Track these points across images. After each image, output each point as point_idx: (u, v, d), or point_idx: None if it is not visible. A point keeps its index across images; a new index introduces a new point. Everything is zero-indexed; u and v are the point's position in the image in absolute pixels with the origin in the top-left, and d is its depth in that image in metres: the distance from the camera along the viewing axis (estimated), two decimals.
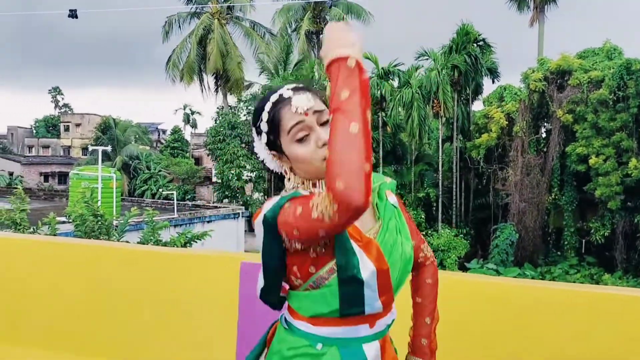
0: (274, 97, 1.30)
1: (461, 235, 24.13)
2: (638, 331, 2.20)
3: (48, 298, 3.29)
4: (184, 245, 7.25)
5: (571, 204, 22.80)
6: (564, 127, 22.42)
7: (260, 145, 1.35)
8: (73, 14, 20.15)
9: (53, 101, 68.66)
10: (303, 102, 1.25)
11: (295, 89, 1.30)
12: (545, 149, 23.85)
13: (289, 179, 1.34)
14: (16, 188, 8.62)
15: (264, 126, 1.31)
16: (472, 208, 26.48)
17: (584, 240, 23.10)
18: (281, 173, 1.37)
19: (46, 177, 44.20)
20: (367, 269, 1.23)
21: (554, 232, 24.14)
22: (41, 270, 3.34)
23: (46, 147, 53.35)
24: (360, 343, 1.29)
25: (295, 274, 1.29)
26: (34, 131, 59.72)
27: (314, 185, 1.31)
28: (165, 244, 7.17)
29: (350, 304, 1.26)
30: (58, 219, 7.06)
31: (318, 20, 33.34)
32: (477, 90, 27.44)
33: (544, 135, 24.89)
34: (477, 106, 28.58)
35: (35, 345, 3.23)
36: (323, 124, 1.26)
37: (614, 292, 2.48)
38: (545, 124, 24.64)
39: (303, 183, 1.32)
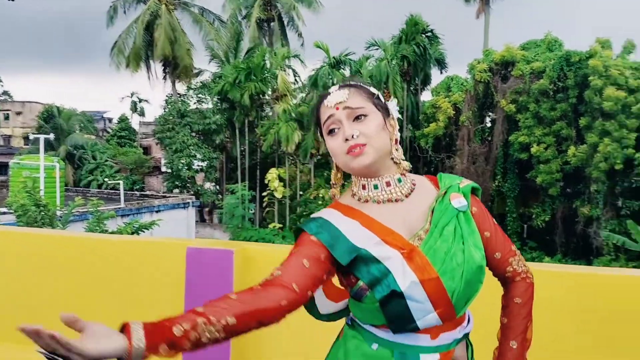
0: (323, 92, 1.34)
1: None
2: (580, 305, 2.33)
3: None
4: (132, 235, 7.15)
5: (514, 191, 23.63)
6: (507, 116, 23.15)
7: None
8: None
9: None
10: (335, 97, 1.27)
11: (342, 86, 1.31)
12: (489, 138, 24.59)
13: (335, 171, 1.37)
14: None
15: (315, 118, 1.35)
16: None
17: (525, 225, 24.03)
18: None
19: None
20: (406, 279, 1.17)
21: (498, 218, 24.97)
22: None
23: None
24: (417, 352, 1.22)
25: (340, 280, 1.30)
26: None
27: (364, 187, 1.32)
28: (112, 234, 7.05)
29: (399, 320, 1.20)
30: None
31: (269, 7, 33.04)
32: (426, 81, 27.98)
33: (488, 124, 25.63)
34: (425, 96, 29.16)
35: None
36: (356, 119, 1.26)
37: (555, 270, 2.62)
38: (490, 113, 25.33)
39: (354, 183, 1.34)
